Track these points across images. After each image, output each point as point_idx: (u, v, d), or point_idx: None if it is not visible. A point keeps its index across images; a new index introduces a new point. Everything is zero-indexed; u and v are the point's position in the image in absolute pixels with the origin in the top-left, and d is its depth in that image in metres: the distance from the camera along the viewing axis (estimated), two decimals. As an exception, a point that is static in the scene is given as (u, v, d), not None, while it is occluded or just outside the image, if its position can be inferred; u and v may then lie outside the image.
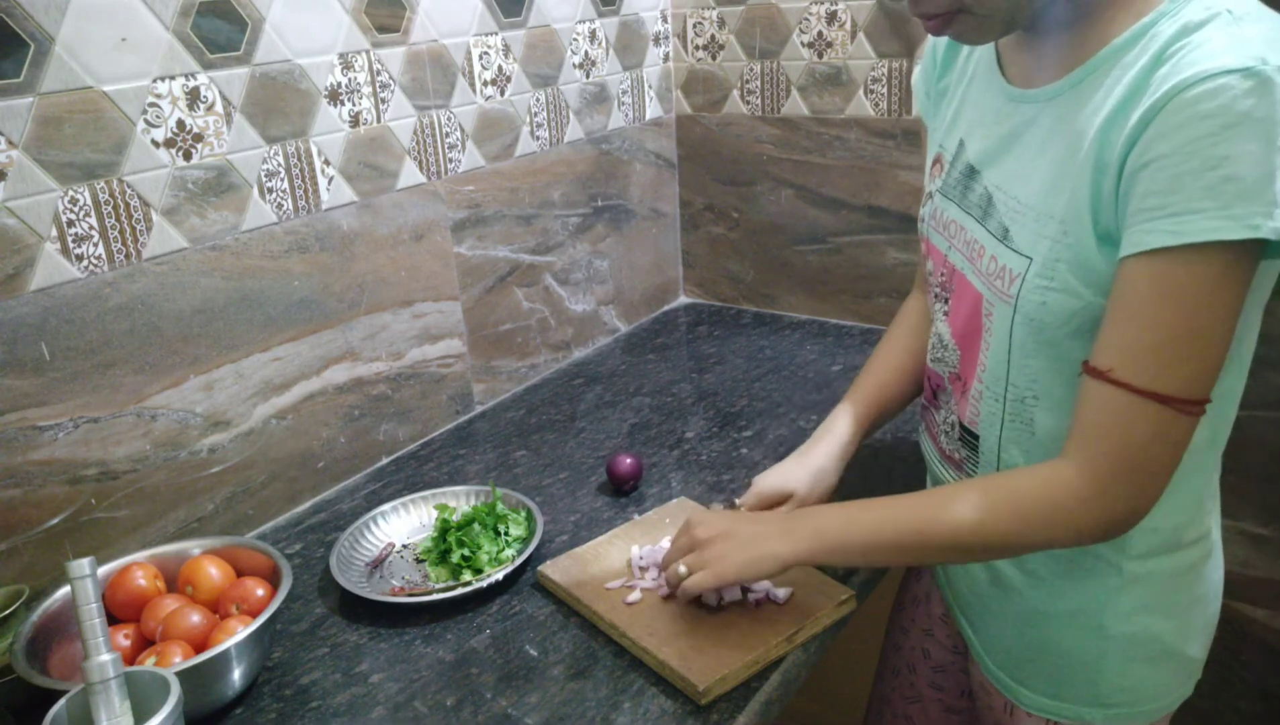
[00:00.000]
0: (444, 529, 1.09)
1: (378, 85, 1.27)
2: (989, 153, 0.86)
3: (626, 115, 1.74)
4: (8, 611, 0.91)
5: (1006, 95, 0.85)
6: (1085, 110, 0.75)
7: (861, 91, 1.61)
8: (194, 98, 1.07)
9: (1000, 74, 0.87)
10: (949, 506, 0.82)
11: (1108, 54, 0.75)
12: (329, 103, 1.22)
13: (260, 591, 0.95)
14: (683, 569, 0.90)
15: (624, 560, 1.05)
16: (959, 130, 0.91)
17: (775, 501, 1.01)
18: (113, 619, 0.94)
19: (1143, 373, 0.71)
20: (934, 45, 0.99)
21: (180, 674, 0.78)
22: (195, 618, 0.92)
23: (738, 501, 1.03)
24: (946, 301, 0.93)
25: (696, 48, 1.79)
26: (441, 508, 1.13)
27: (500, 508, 1.12)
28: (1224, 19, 0.69)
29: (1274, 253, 0.69)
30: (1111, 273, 0.74)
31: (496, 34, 1.44)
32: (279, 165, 1.17)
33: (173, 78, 1.05)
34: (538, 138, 1.55)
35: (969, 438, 0.91)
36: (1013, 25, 0.78)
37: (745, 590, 0.96)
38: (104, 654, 0.72)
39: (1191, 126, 0.66)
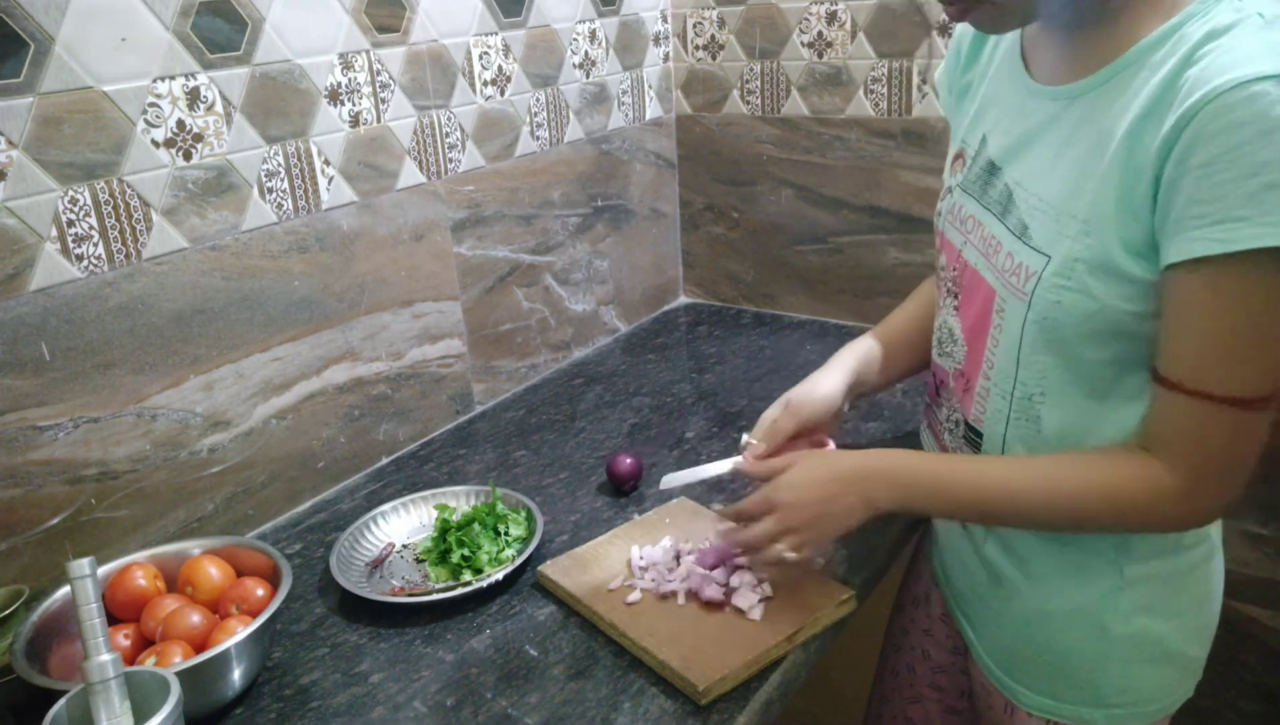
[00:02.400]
0: (444, 529, 1.09)
1: (378, 85, 1.27)
2: (1011, 149, 0.86)
3: (626, 115, 1.74)
4: (8, 611, 0.91)
5: (1030, 91, 0.85)
6: (1112, 110, 0.75)
7: (861, 91, 1.61)
8: (194, 98, 1.07)
9: (1025, 70, 0.87)
10: (1040, 485, 0.82)
11: (1135, 54, 0.74)
12: (329, 103, 1.22)
13: (260, 591, 0.95)
14: (791, 556, 0.90)
15: (624, 560, 1.05)
16: (982, 126, 0.91)
17: (813, 428, 1.02)
18: (113, 619, 0.94)
19: (1214, 381, 0.72)
20: (959, 40, 0.99)
21: (180, 674, 0.78)
22: (195, 618, 0.91)
23: (746, 436, 1.02)
24: (957, 296, 0.92)
25: (696, 48, 1.79)
26: (441, 508, 1.13)
27: (500, 508, 1.12)
28: (1255, 22, 0.68)
29: None
30: (1126, 270, 0.74)
31: (496, 34, 1.44)
32: (279, 165, 1.17)
33: (173, 78, 1.05)
34: (538, 138, 1.55)
35: (973, 435, 0.91)
36: (1031, 16, 0.78)
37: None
38: (104, 654, 0.72)
39: (1229, 134, 0.66)
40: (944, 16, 1.45)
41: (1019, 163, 0.84)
